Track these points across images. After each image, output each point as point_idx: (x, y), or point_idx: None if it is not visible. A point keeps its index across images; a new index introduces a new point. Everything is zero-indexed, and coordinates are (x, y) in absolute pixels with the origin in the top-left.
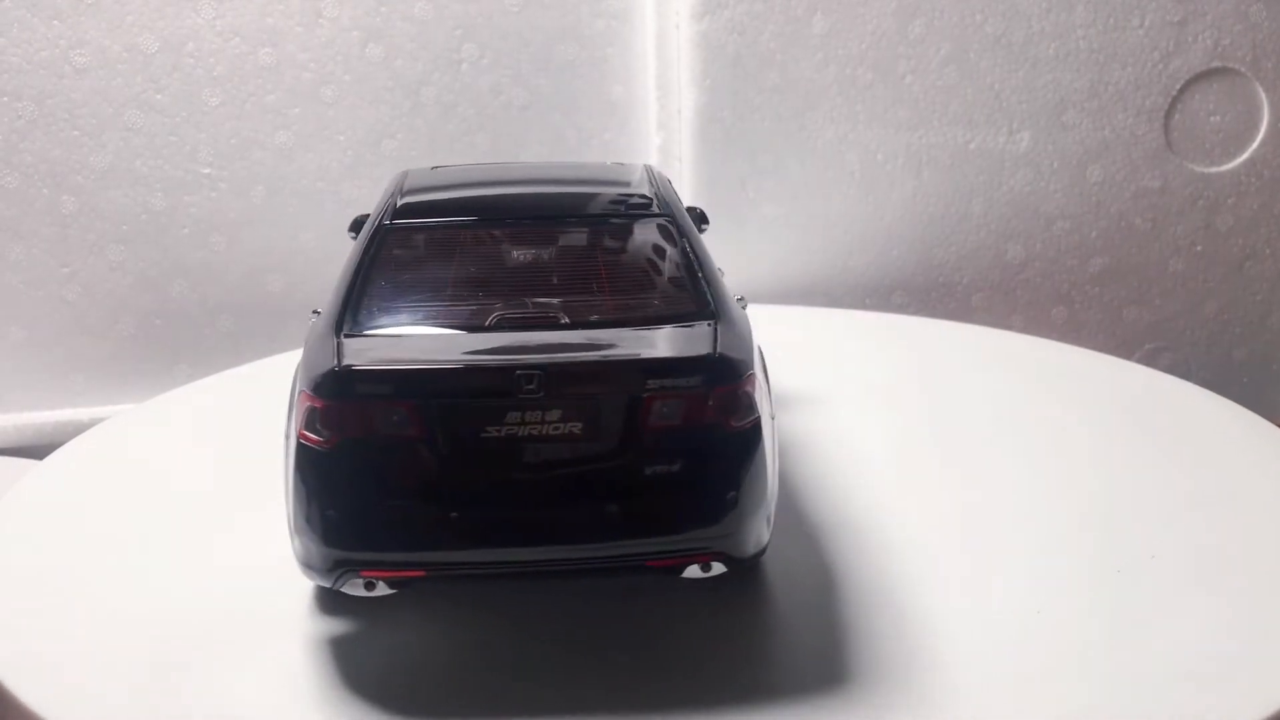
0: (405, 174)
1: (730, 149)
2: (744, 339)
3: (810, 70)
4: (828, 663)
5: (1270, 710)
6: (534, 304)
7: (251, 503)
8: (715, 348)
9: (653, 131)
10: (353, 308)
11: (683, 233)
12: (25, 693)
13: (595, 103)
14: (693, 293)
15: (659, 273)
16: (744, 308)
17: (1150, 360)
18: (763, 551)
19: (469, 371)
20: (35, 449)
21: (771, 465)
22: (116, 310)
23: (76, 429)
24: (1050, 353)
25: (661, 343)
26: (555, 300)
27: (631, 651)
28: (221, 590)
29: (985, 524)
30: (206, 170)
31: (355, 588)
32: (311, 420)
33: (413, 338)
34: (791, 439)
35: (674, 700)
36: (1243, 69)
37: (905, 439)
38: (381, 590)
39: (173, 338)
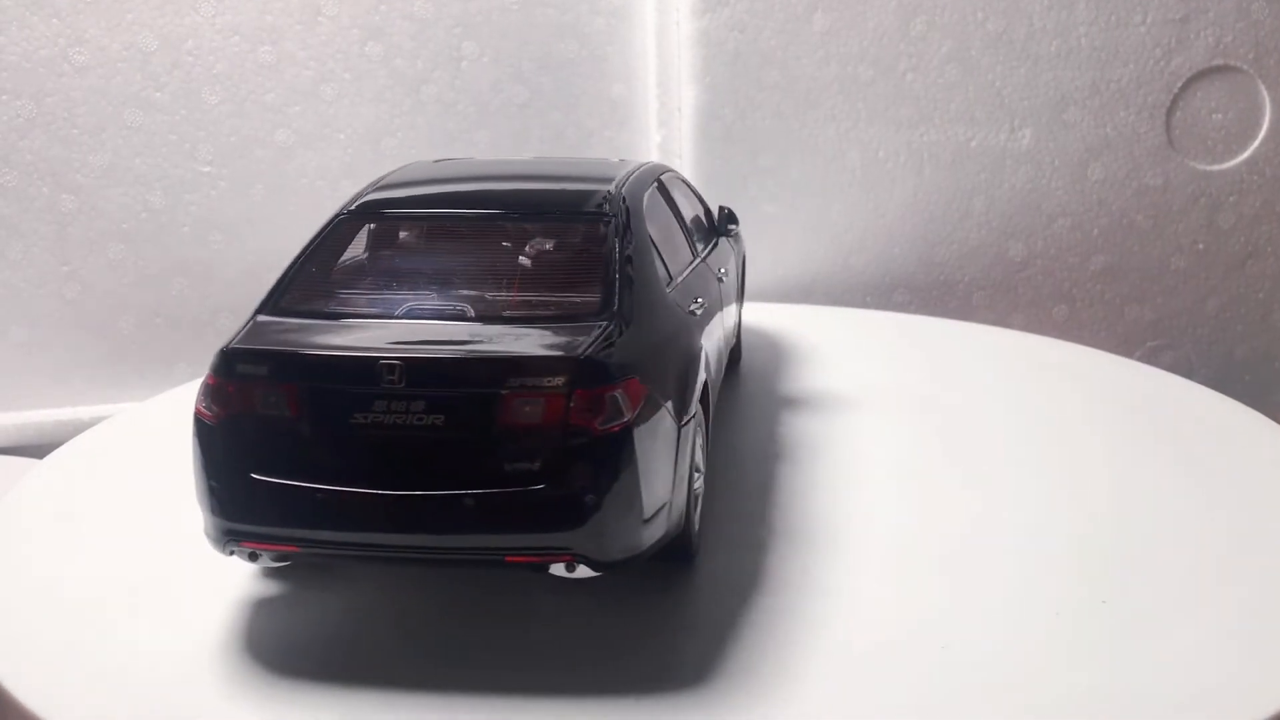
0: (404, 166)
1: (731, 147)
2: (646, 345)
3: (811, 68)
4: (747, 658)
5: (1271, 711)
6: (447, 298)
7: None
8: (586, 350)
9: (653, 129)
10: (281, 291)
11: (620, 233)
12: (24, 693)
13: (595, 100)
14: (602, 294)
15: (578, 272)
16: (697, 312)
17: (1152, 358)
18: (638, 557)
19: (337, 360)
20: (35, 448)
21: (666, 469)
22: (116, 309)
23: (76, 428)
24: (1052, 351)
25: (538, 341)
26: (470, 294)
27: (555, 631)
28: (224, 589)
29: (983, 523)
30: (206, 168)
31: (244, 558)
32: (204, 395)
33: (313, 323)
34: (788, 439)
35: (584, 687)
36: (1245, 66)
37: (904, 440)
38: (266, 562)
39: (173, 336)
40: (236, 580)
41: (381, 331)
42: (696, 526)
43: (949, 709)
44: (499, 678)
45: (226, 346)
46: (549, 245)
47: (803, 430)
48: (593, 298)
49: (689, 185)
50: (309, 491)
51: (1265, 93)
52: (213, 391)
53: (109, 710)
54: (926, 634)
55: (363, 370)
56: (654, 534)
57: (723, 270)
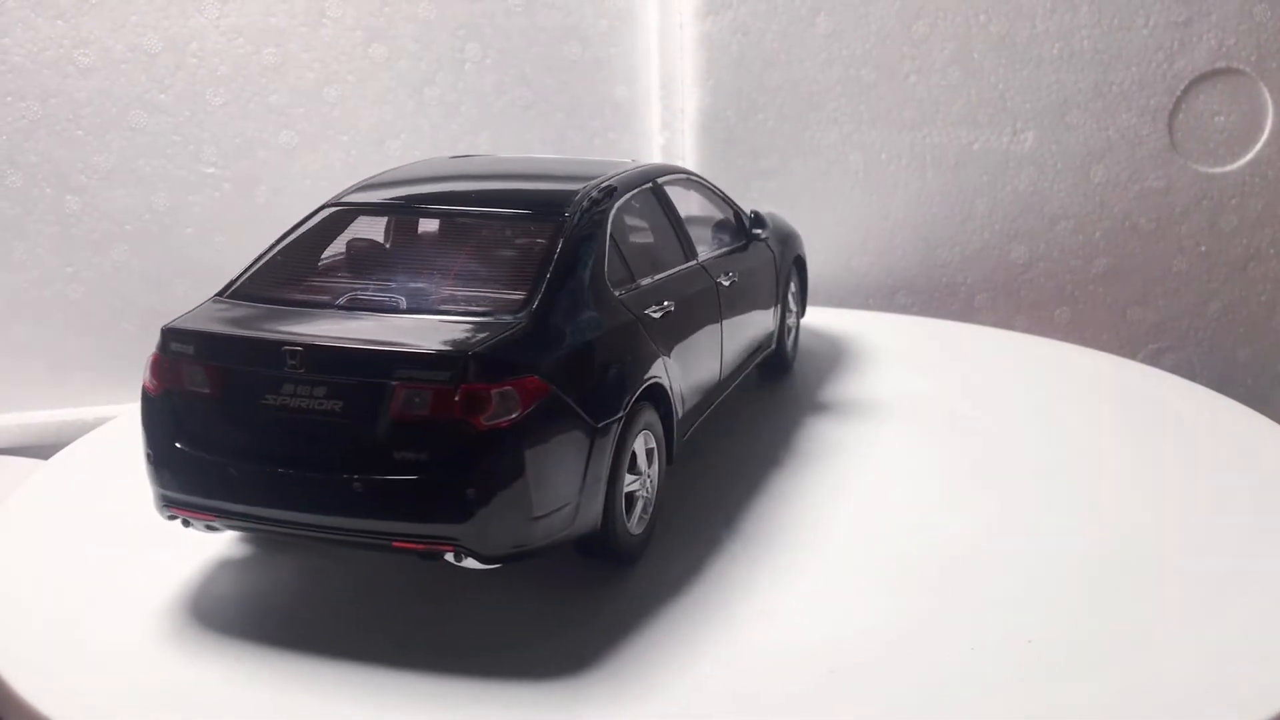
0: (416, 162)
1: (733, 149)
2: (563, 344)
3: (814, 70)
4: (640, 653)
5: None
6: (385, 290)
7: None
8: (478, 346)
9: (656, 132)
10: (246, 275)
11: (567, 233)
12: (29, 691)
13: (599, 103)
14: (525, 291)
15: (510, 269)
16: (655, 315)
17: (1154, 360)
18: (529, 554)
19: (250, 342)
20: (39, 448)
21: (570, 469)
22: (120, 310)
23: (80, 429)
24: (1054, 353)
25: (442, 335)
26: (407, 287)
27: (471, 615)
28: (228, 590)
29: (982, 527)
30: (210, 170)
31: (183, 524)
32: (148, 368)
33: (255, 308)
34: (782, 443)
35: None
36: (1247, 69)
37: (902, 445)
38: (199, 529)
39: None
40: (244, 582)
41: (309, 320)
42: (636, 530)
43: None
44: (410, 656)
45: (166, 325)
46: (495, 243)
47: (798, 434)
48: (515, 295)
49: (713, 189)
50: (223, 465)
51: (1267, 95)
52: (153, 365)
53: (113, 709)
54: (849, 642)
55: (271, 355)
56: (548, 533)
57: (730, 274)
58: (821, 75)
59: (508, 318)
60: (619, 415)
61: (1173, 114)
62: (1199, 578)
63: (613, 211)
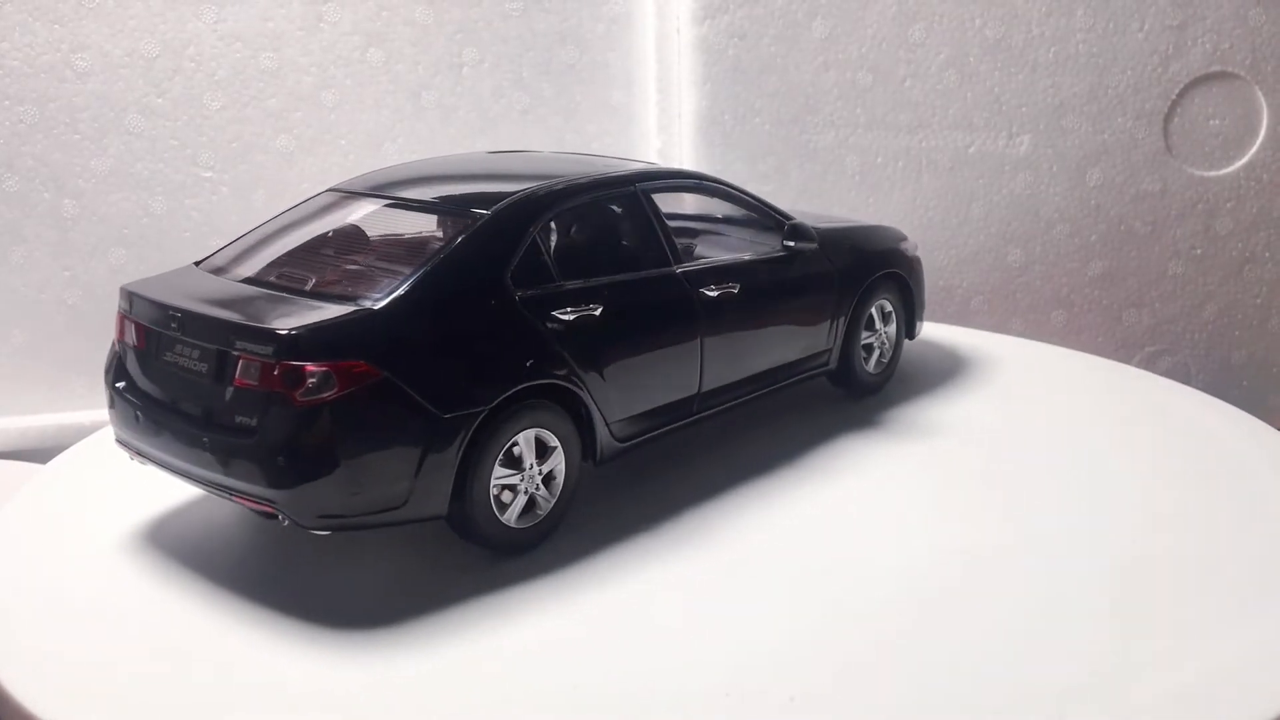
0: (445, 156)
1: (730, 152)
2: (415, 334)
3: (810, 74)
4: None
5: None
6: (300, 271)
7: None
8: (303, 327)
9: (653, 135)
10: (230, 248)
11: (470, 229)
12: (27, 698)
13: (596, 106)
14: (397, 281)
15: (398, 260)
16: (564, 318)
17: (1150, 363)
18: (347, 527)
19: (155, 305)
20: (37, 452)
21: (400, 453)
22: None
23: (78, 433)
24: (1050, 356)
25: (293, 313)
26: (317, 271)
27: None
28: (228, 594)
29: (984, 531)
30: (208, 174)
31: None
32: (116, 321)
33: (203, 277)
34: (782, 443)
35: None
36: (1242, 73)
37: (900, 446)
38: (136, 462)
39: None
40: (244, 585)
41: (219, 291)
42: (517, 523)
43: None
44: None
45: (123, 284)
46: (406, 236)
47: (787, 438)
48: (387, 284)
49: (745, 195)
50: (138, 410)
51: (1262, 99)
52: (117, 321)
53: (111, 713)
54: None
55: (166, 318)
56: (368, 508)
57: (728, 286)
58: (818, 79)
59: (366, 304)
60: (478, 410)
61: (1168, 118)
62: (1195, 580)
63: (546, 213)
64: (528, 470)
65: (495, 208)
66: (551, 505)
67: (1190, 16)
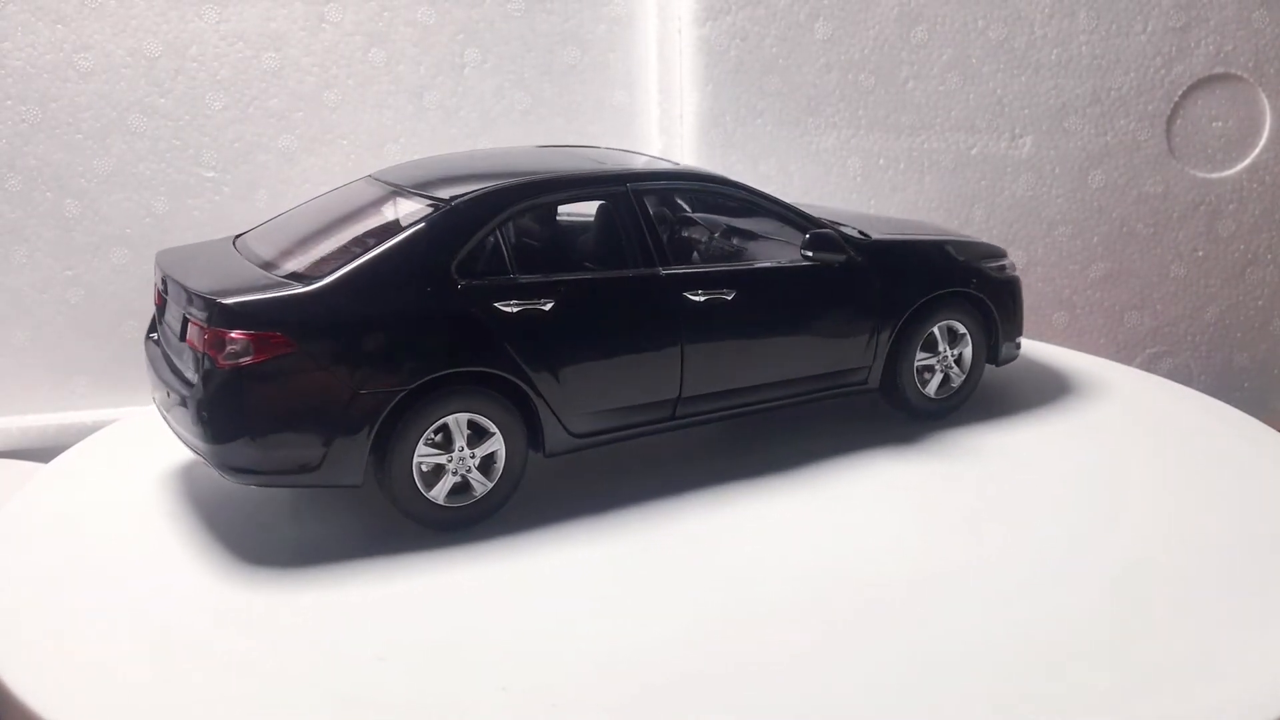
0: (501, 149)
1: (732, 154)
2: (339, 312)
3: (812, 75)
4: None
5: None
6: (292, 251)
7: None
8: (231, 298)
9: (655, 136)
10: (264, 226)
11: (430, 219)
12: (30, 697)
13: (598, 107)
14: (340, 264)
15: (358, 245)
16: (521, 310)
17: (1151, 365)
18: (263, 482)
19: (159, 272)
20: (39, 451)
21: (312, 420)
22: (120, 313)
23: (80, 432)
24: (1051, 357)
25: (237, 286)
26: (304, 252)
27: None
28: (227, 594)
29: (983, 535)
30: (210, 174)
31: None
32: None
33: (216, 247)
34: (780, 445)
35: None
36: (1245, 74)
37: (897, 446)
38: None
39: None
40: (244, 585)
41: (220, 262)
42: (444, 500)
43: None
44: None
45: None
46: (381, 224)
47: (780, 441)
48: (331, 266)
49: (773, 201)
50: (153, 365)
51: (1265, 101)
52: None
53: (111, 713)
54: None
55: (161, 282)
56: (279, 466)
57: (724, 292)
58: (820, 80)
59: (299, 282)
60: (397, 388)
61: (1170, 119)
62: (1196, 581)
63: (509, 208)
64: (456, 452)
65: (457, 199)
66: (489, 489)
67: (1193, 18)
